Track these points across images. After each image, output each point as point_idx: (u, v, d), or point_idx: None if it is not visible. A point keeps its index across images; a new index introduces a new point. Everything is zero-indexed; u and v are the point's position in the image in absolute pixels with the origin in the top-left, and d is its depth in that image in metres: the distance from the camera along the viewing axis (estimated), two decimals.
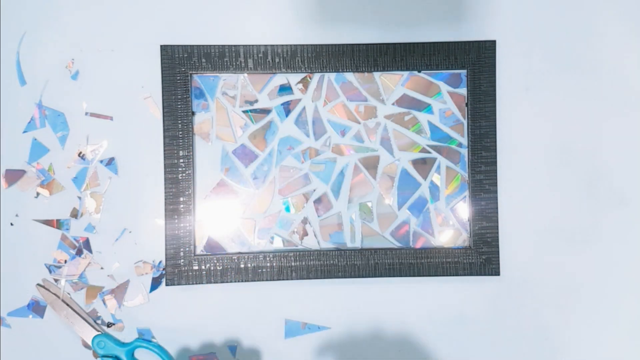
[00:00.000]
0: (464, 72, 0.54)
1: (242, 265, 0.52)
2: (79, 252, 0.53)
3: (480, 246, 0.53)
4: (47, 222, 0.52)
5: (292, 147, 0.53)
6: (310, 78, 0.54)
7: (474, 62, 0.53)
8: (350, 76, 0.54)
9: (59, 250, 0.52)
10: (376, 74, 0.54)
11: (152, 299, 0.53)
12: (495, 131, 0.53)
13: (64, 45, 0.53)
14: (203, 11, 0.53)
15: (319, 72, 0.53)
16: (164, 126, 0.52)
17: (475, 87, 0.53)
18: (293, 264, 0.52)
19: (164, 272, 0.52)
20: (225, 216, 0.53)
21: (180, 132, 0.52)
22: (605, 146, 0.54)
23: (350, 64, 0.53)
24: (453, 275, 0.53)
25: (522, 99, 0.54)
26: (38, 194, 0.52)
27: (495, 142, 0.53)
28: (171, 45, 0.52)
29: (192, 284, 0.52)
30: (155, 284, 0.53)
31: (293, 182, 0.53)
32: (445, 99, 0.54)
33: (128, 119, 0.53)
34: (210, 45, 0.52)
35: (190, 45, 0.52)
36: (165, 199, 0.52)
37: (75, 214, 0.52)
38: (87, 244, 0.53)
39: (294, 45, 0.52)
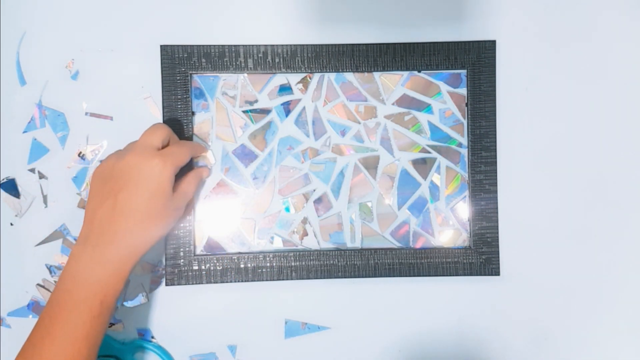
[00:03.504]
0: (464, 72, 0.54)
1: (242, 265, 0.52)
2: None
3: (480, 246, 0.53)
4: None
5: (292, 147, 0.53)
6: (310, 78, 0.54)
7: (474, 62, 0.53)
8: (350, 76, 0.54)
9: (62, 254, 0.52)
10: (376, 74, 0.54)
11: (152, 299, 0.53)
12: (495, 131, 0.53)
13: (64, 45, 0.53)
14: (203, 11, 0.53)
15: (319, 72, 0.53)
16: None
17: (475, 87, 0.53)
18: (293, 264, 0.52)
19: (164, 272, 0.52)
20: (225, 216, 0.53)
21: (180, 132, 0.52)
22: (605, 146, 0.54)
23: (350, 64, 0.53)
24: (453, 275, 0.53)
25: (522, 99, 0.54)
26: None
27: (495, 142, 0.53)
28: (171, 45, 0.52)
29: (192, 284, 0.52)
30: (155, 284, 0.53)
31: (293, 182, 0.53)
32: (445, 99, 0.54)
33: (128, 119, 0.53)
34: (210, 45, 0.52)
35: (190, 45, 0.52)
36: None
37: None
38: None
39: (294, 45, 0.52)
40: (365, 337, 0.54)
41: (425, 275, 0.53)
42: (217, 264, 0.52)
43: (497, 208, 0.53)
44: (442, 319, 0.54)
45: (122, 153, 0.46)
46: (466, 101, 0.54)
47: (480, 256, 0.53)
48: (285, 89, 0.53)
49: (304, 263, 0.52)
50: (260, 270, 0.52)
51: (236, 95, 0.53)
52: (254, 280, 0.52)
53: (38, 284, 0.52)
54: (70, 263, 0.44)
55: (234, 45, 0.52)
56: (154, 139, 0.46)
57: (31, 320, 0.52)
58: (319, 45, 0.52)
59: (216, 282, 0.52)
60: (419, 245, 0.54)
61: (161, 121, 0.52)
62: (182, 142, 0.49)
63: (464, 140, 0.54)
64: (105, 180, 0.45)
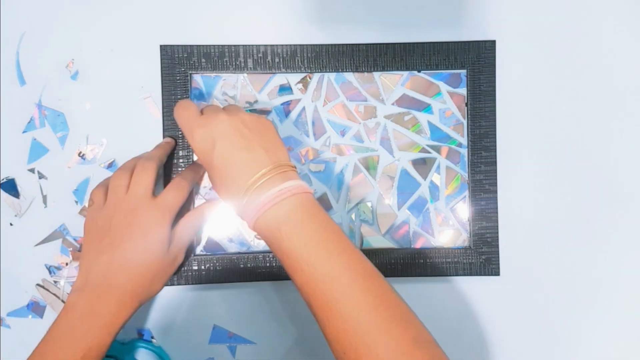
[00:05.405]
0: (463, 72, 0.54)
1: (242, 265, 0.52)
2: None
3: (480, 246, 0.53)
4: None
5: (292, 147, 0.53)
6: (310, 78, 0.54)
7: (474, 62, 0.53)
8: (350, 76, 0.54)
9: (62, 254, 0.52)
10: (376, 74, 0.54)
11: (152, 299, 0.53)
12: (495, 131, 0.53)
13: (64, 45, 0.53)
14: (203, 11, 0.53)
15: (318, 72, 0.53)
16: (163, 126, 0.52)
17: (475, 87, 0.53)
18: None
19: None
20: (225, 216, 0.53)
21: (180, 132, 0.52)
22: (605, 145, 0.54)
23: (350, 64, 0.53)
24: (453, 276, 0.53)
25: (522, 99, 0.54)
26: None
27: (495, 142, 0.53)
28: (171, 45, 0.52)
29: (192, 284, 0.52)
30: None
31: None
32: (445, 99, 0.54)
33: (128, 119, 0.53)
34: (210, 45, 0.52)
35: (190, 45, 0.52)
36: None
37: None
38: None
39: (294, 45, 0.52)
40: None
41: (425, 275, 0.53)
42: (217, 264, 0.52)
43: (497, 208, 0.53)
44: (442, 319, 0.54)
45: (116, 203, 0.45)
46: (466, 101, 0.54)
47: (480, 256, 0.53)
48: (285, 89, 0.53)
49: None
50: (260, 270, 0.52)
51: (236, 95, 0.53)
52: (254, 280, 0.52)
53: (38, 284, 0.52)
54: (63, 312, 0.44)
55: (234, 45, 0.52)
56: (143, 186, 0.46)
57: (31, 321, 0.52)
58: (319, 45, 0.52)
59: (216, 282, 0.52)
60: (418, 245, 0.54)
61: (160, 121, 0.52)
62: (176, 183, 0.48)
63: (464, 140, 0.54)
64: (102, 233, 0.45)
